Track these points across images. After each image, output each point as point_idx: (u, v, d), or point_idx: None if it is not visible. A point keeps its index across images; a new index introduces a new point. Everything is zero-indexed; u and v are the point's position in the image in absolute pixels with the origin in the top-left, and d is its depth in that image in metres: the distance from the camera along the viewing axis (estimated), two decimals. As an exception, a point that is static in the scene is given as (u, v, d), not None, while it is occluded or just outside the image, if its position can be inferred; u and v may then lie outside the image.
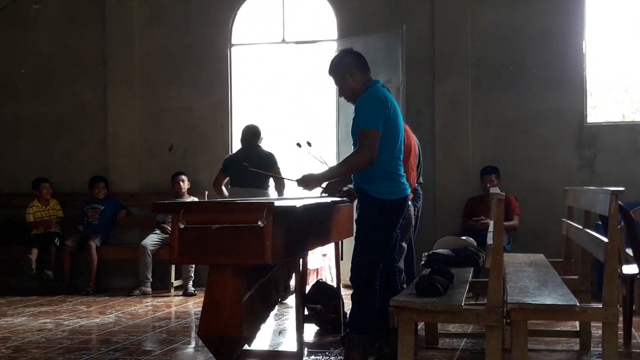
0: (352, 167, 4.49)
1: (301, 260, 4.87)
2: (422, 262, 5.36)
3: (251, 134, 7.44)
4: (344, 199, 4.91)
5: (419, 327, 5.40)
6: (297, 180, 4.59)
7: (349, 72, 4.58)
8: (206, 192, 8.45)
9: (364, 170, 4.44)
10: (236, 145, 8.23)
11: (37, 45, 9.03)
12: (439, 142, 8.07)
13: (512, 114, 8.08)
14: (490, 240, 3.88)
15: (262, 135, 7.53)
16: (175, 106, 8.75)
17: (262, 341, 5.40)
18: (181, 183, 8.29)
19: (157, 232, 8.20)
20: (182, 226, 3.80)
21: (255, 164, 6.47)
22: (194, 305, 7.28)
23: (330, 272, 8.33)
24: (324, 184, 4.75)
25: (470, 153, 8.06)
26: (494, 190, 4.48)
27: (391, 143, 4.48)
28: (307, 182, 4.57)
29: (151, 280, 8.05)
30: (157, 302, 7.52)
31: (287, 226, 4.01)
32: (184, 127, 8.72)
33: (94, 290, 8.13)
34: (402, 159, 4.62)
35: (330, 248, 6.55)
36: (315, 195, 4.75)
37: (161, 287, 8.17)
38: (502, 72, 8.09)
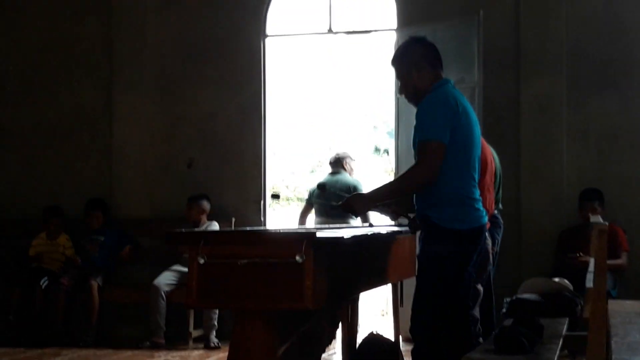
0: (407, 186, 4.49)
1: (350, 305, 4.88)
2: (504, 310, 5.35)
3: (335, 159, 8.25)
4: (405, 227, 4.91)
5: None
6: (341, 205, 4.62)
7: (416, 64, 4.60)
8: (233, 219, 8.51)
9: (425, 191, 4.45)
10: (271, 160, 8.34)
11: (27, 37, 9.26)
12: (525, 158, 8.06)
13: (618, 123, 8.02)
14: (590, 283, 3.86)
15: (350, 158, 8.02)
16: (196, 111, 8.88)
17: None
18: (199, 208, 8.39)
19: (175, 268, 8.25)
20: (201, 261, 3.82)
21: (336, 192, 6.66)
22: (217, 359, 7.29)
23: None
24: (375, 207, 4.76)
25: (565, 172, 8.02)
26: (596, 219, 4.44)
27: (462, 158, 4.48)
28: (353, 205, 4.57)
29: (165, 329, 8.09)
30: (172, 356, 7.54)
31: (332, 262, 4.01)
32: (207, 137, 8.84)
33: (94, 340, 8.20)
34: (477, 179, 4.60)
35: (386, 290, 6.54)
36: (367, 225, 4.80)
37: (177, 338, 8.18)
38: (606, 70, 8.05)
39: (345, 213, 6.27)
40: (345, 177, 8.17)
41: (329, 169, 8.48)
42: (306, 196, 8.74)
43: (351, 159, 8.46)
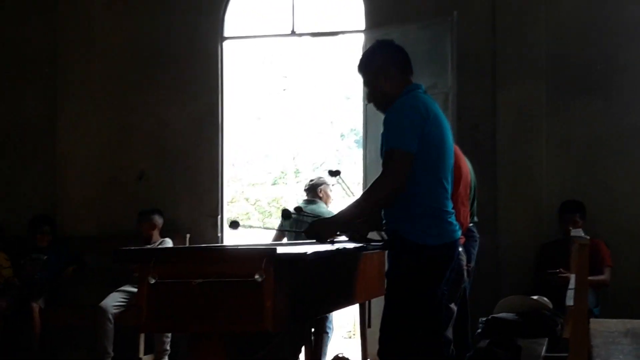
0: (374, 201, 4.47)
1: (314, 327, 4.88)
2: (479, 330, 5.36)
3: (309, 186, 8.34)
4: (374, 244, 4.91)
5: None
6: (305, 232, 4.62)
7: (384, 70, 4.61)
8: (187, 235, 8.50)
9: (392, 203, 4.44)
10: (228, 171, 8.30)
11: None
12: (502, 168, 8.09)
13: (601, 129, 8.07)
14: (570, 301, 3.86)
15: (326, 184, 8.13)
16: (148, 120, 8.85)
17: None
18: (153, 223, 8.37)
19: (125, 288, 8.22)
20: (152, 281, 3.84)
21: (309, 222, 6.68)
22: None
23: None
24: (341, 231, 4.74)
25: (544, 183, 8.05)
26: (577, 233, 4.45)
27: (433, 169, 4.49)
28: (318, 231, 4.58)
29: (112, 355, 8.02)
30: None
31: (294, 281, 4.01)
32: (159, 148, 8.82)
33: (36, 367, 8.11)
34: (449, 191, 4.61)
35: (354, 311, 6.52)
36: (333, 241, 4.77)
37: (127, 364, 8.18)
38: (588, 75, 8.10)
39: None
40: (319, 206, 8.13)
41: (303, 196, 8.49)
42: (276, 225, 8.73)
43: (327, 184, 8.43)
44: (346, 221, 4.59)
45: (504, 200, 8.06)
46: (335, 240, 4.72)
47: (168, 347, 8.01)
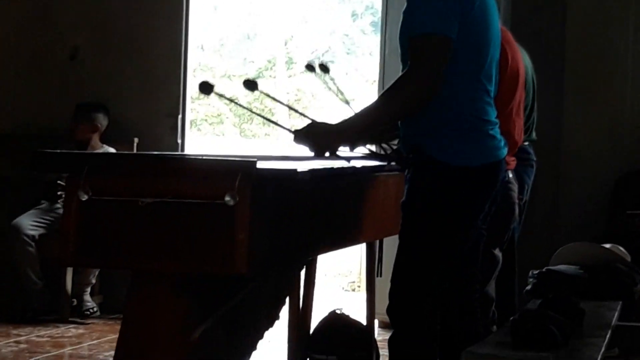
0: (397, 107, 4.42)
1: (303, 272, 4.91)
2: (529, 287, 5.40)
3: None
4: (390, 163, 4.90)
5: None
6: (294, 134, 4.42)
7: None
8: (135, 140, 8.53)
9: (419, 111, 4.41)
10: (195, 57, 8.29)
11: None
12: (572, 68, 8.11)
13: None
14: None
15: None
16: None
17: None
18: (93, 122, 8.38)
19: (45, 206, 8.31)
20: (84, 198, 3.80)
21: None
22: (102, 344, 7.33)
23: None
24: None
25: (629, 91, 8.08)
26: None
27: (471, 64, 4.47)
28: (316, 136, 4.41)
29: (41, 284, 8.14)
30: (39, 334, 7.62)
31: (278, 208, 4.01)
32: (98, 21, 8.81)
33: None
34: (493, 93, 4.60)
35: (359, 253, 6.59)
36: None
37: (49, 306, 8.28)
38: None
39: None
40: None
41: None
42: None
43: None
44: (355, 133, 4.54)
45: (570, 112, 8.11)
46: (336, 156, 4.59)
47: (93, 280, 8.24)
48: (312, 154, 4.44)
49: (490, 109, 4.54)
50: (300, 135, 4.40)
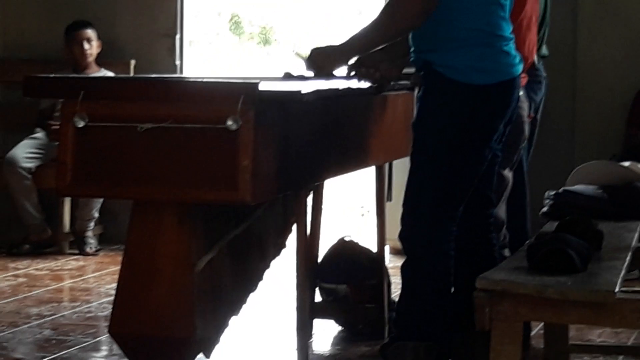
0: (397, 22, 4.52)
1: (310, 197, 4.95)
2: (544, 209, 5.36)
3: None
4: (398, 82, 4.98)
5: (532, 333, 5.48)
6: (305, 59, 4.67)
7: None
8: (132, 62, 8.57)
9: (423, 25, 4.45)
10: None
11: None
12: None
13: None
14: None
15: None
16: None
17: (232, 350, 5.43)
18: (85, 43, 8.34)
19: (40, 135, 8.35)
20: (80, 124, 3.88)
21: None
22: (103, 276, 7.42)
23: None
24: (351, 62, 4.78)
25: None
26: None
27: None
28: (319, 60, 4.64)
29: (41, 218, 8.23)
30: (38, 267, 7.70)
31: (283, 131, 4.08)
32: None
33: None
34: (507, 7, 4.63)
35: (367, 176, 6.52)
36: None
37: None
38: None
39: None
40: None
41: None
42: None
43: None
44: (357, 51, 4.69)
45: (586, 25, 8.08)
46: (339, 76, 4.80)
47: (96, 214, 8.28)
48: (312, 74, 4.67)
49: (504, 24, 4.62)
50: (307, 60, 4.68)
